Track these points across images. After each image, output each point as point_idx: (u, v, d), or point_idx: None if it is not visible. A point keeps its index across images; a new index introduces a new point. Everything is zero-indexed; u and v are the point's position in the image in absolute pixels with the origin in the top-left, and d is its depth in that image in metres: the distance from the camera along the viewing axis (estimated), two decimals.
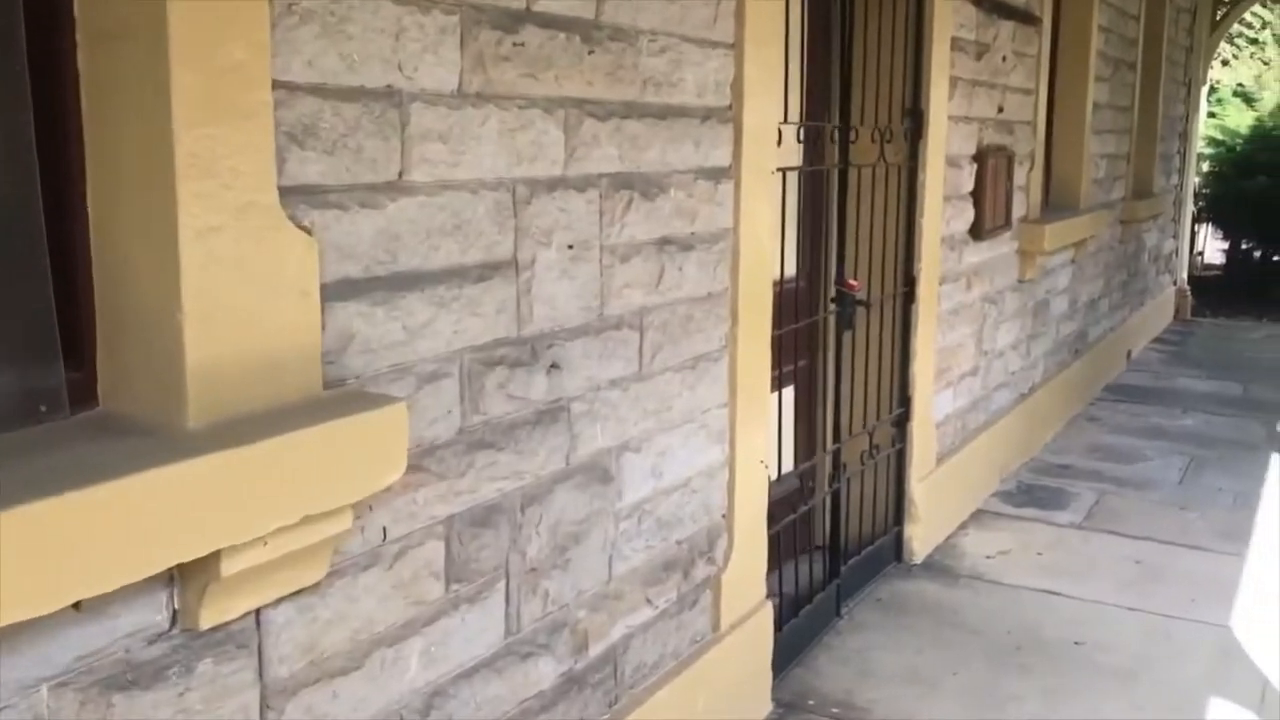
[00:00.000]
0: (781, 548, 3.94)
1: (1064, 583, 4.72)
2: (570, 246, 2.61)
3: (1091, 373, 7.79)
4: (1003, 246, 5.75)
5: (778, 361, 3.98)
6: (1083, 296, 7.50)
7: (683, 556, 3.21)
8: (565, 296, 2.62)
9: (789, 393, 4.49)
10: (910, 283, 4.72)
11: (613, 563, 2.90)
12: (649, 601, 3.05)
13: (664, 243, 2.98)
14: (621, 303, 2.83)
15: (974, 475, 5.52)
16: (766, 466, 3.59)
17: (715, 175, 3.18)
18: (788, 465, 4.13)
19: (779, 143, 3.51)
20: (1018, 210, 5.93)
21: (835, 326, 4.25)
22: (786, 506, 4.04)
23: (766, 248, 3.47)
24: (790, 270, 4.29)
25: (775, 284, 4.03)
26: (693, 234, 3.11)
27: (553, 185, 2.54)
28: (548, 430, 2.60)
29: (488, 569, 2.46)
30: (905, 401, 4.79)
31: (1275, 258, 13.52)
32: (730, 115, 3.23)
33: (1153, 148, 9.42)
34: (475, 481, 2.40)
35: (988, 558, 4.98)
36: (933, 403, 5.00)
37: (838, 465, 4.35)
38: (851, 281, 4.16)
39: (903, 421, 4.80)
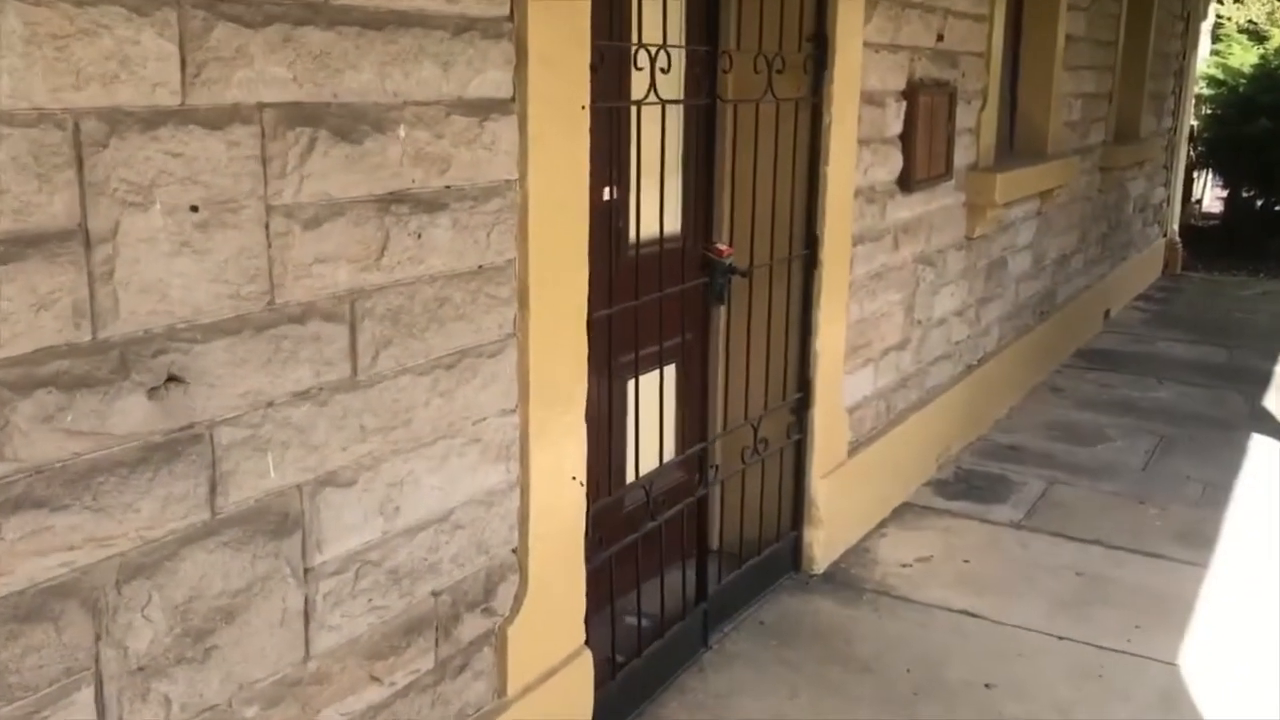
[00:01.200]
0: (640, 565, 3.17)
1: (987, 601, 3.93)
2: (195, 209, 1.80)
3: (1059, 337, 6.95)
4: (943, 198, 4.90)
5: (654, 337, 3.19)
6: (1051, 253, 6.64)
7: (440, 612, 2.42)
8: (191, 280, 1.81)
9: (670, 371, 3.71)
10: (812, 244, 3.88)
11: (310, 637, 2.12)
12: (377, 679, 2.27)
13: (391, 201, 2.16)
14: (310, 285, 2.02)
15: (900, 464, 4.72)
16: (581, 482, 2.79)
17: (482, 110, 2.35)
18: (670, 455, 3.38)
19: (599, 68, 2.68)
20: (963, 157, 5.07)
21: (704, 300, 3.42)
22: (664, 507, 3.27)
23: (576, 205, 2.65)
24: (673, 228, 3.49)
25: (654, 244, 3.24)
26: (446, 189, 2.29)
27: (155, 120, 1.72)
28: (168, 471, 1.81)
29: (43, 682, 1.67)
30: (805, 385, 3.98)
31: (1278, 207, 12.56)
32: (509, 29, 2.39)
33: (1141, 87, 8.49)
34: (6, 560, 1.60)
35: (904, 566, 4.20)
36: (843, 385, 4.19)
37: (704, 465, 3.54)
38: (720, 246, 3.33)
39: (802, 409, 3.99)
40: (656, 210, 3.24)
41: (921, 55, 4.48)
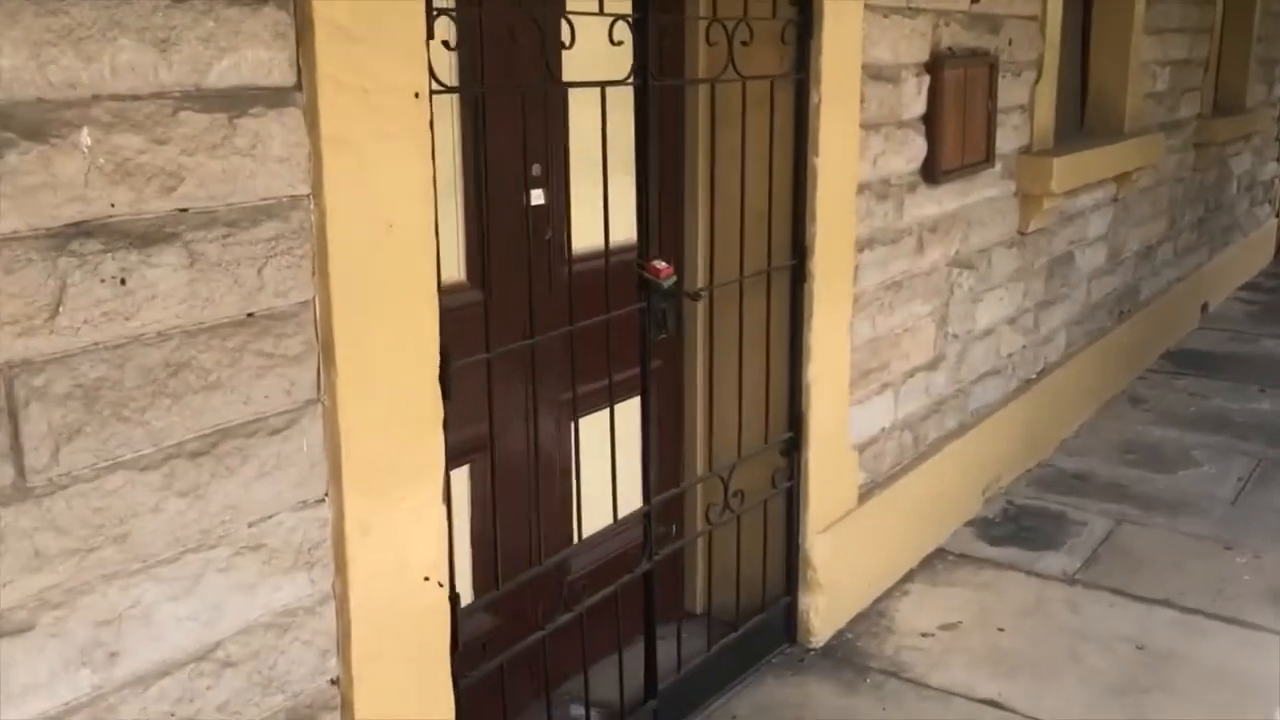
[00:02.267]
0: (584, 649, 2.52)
1: (1020, 685, 3.18)
2: None
3: (1143, 339, 6.07)
4: (985, 189, 4.11)
5: (598, 370, 2.55)
6: (1131, 244, 5.76)
7: None
8: None
9: (629, 407, 3.05)
10: (800, 253, 3.15)
11: None
12: None
13: (71, 236, 1.52)
14: None
15: (932, 504, 3.96)
16: (441, 582, 2.13)
17: (237, 103, 1.70)
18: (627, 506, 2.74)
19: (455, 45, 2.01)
20: (1012, 139, 4.26)
21: (642, 328, 2.72)
22: (585, 592, 2.62)
23: (414, 223, 1.98)
24: (625, 236, 2.82)
25: (599, 257, 2.59)
26: (178, 213, 1.64)
27: None
28: None
29: None
30: (795, 423, 3.25)
31: None
32: None
33: (1246, 50, 7.48)
34: None
35: (924, 636, 3.46)
36: (849, 418, 3.45)
37: (648, 530, 2.85)
38: (657, 263, 2.63)
39: (792, 450, 3.27)
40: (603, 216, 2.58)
41: (950, 20, 3.70)
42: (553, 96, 2.78)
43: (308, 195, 1.82)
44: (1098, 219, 5.28)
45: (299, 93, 1.79)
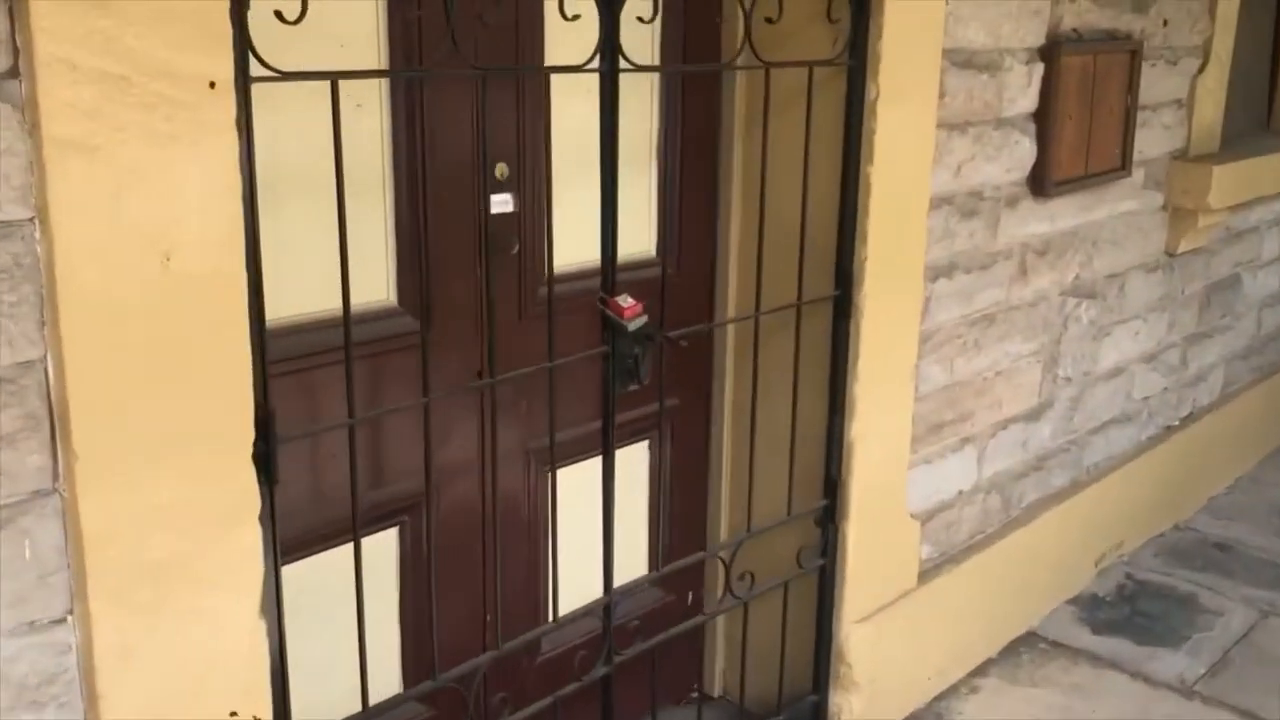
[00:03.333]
0: None
1: None
2: None
3: None
4: (1118, 201, 3.34)
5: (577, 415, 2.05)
6: None
7: None
8: None
9: (637, 451, 2.54)
10: (845, 283, 2.52)
11: None
12: None
13: None
14: None
15: (1024, 578, 3.26)
16: (259, 718, 1.63)
17: None
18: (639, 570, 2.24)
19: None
20: (1160, 141, 3.47)
21: (605, 378, 2.13)
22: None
23: (218, 255, 1.47)
24: (640, 248, 2.28)
25: (590, 276, 2.08)
26: None
27: None
28: None
29: None
30: (832, 489, 2.62)
31: None
32: None
33: None
34: None
35: None
36: (906, 482, 2.79)
37: (607, 627, 2.27)
38: (620, 300, 2.04)
39: (827, 522, 2.64)
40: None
41: None
42: (532, 86, 2.24)
43: (30, 219, 1.33)
44: (1277, 236, 4.39)
45: (14, 81, 1.30)
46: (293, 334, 1.97)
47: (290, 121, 1.85)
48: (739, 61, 2.29)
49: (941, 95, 2.59)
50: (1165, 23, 3.37)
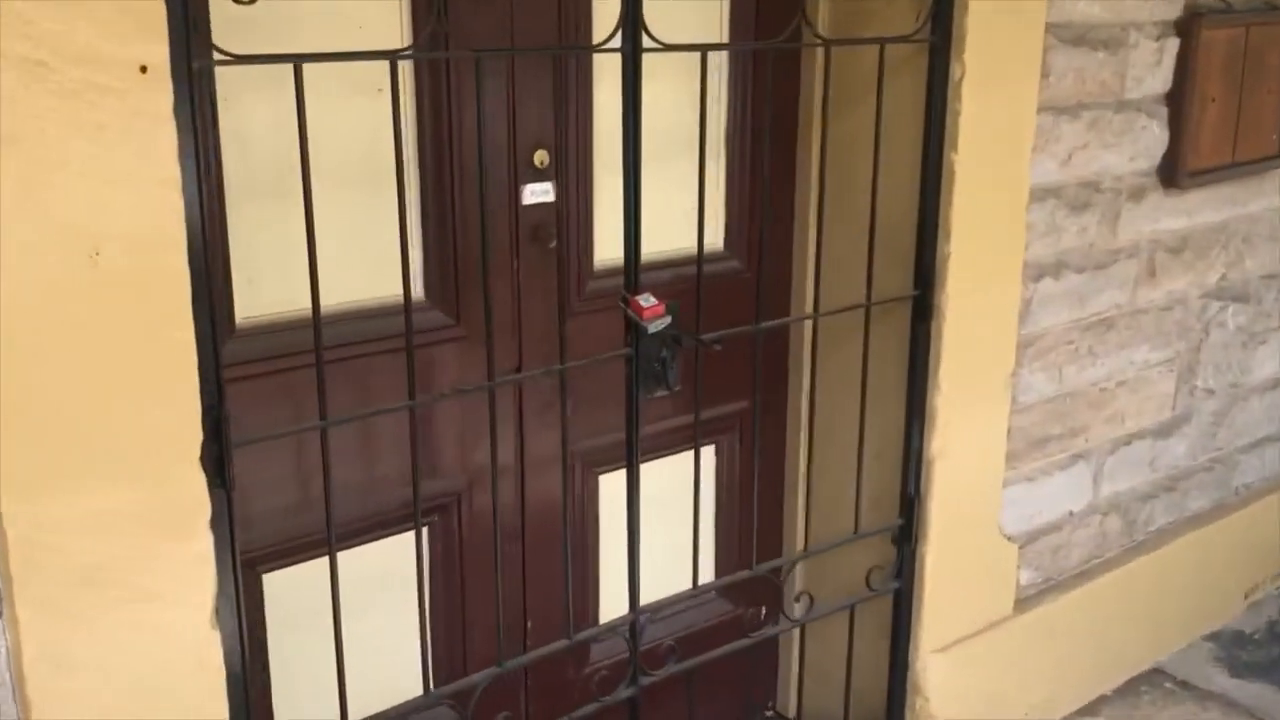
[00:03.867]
0: None
1: None
2: None
3: None
4: (1274, 195, 2.95)
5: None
6: None
7: None
8: None
9: (705, 456, 2.40)
10: (925, 282, 2.28)
11: None
12: None
13: None
14: None
15: (1147, 611, 2.93)
16: None
17: None
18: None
19: None
20: None
21: (629, 383, 1.96)
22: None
23: (154, 249, 1.40)
24: (708, 241, 2.13)
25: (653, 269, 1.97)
26: None
27: None
28: None
29: None
30: (908, 506, 2.39)
31: None
32: None
33: None
34: None
35: None
36: (1000, 501, 2.53)
37: (633, 647, 2.11)
38: (641, 299, 1.87)
39: (904, 541, 2.41)
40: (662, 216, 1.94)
41: None
42: (570, 66, 2.09)
43: None
44: None
45: None
46: (302, 328, 1.88)
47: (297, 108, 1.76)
48: (803, 39, 2.08)
49: (1045, 75, 2.31)
50: None
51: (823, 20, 2.34)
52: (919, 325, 2.30)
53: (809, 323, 2.46)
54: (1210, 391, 2.96)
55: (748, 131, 2.39)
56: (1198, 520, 3.05)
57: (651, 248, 2.17)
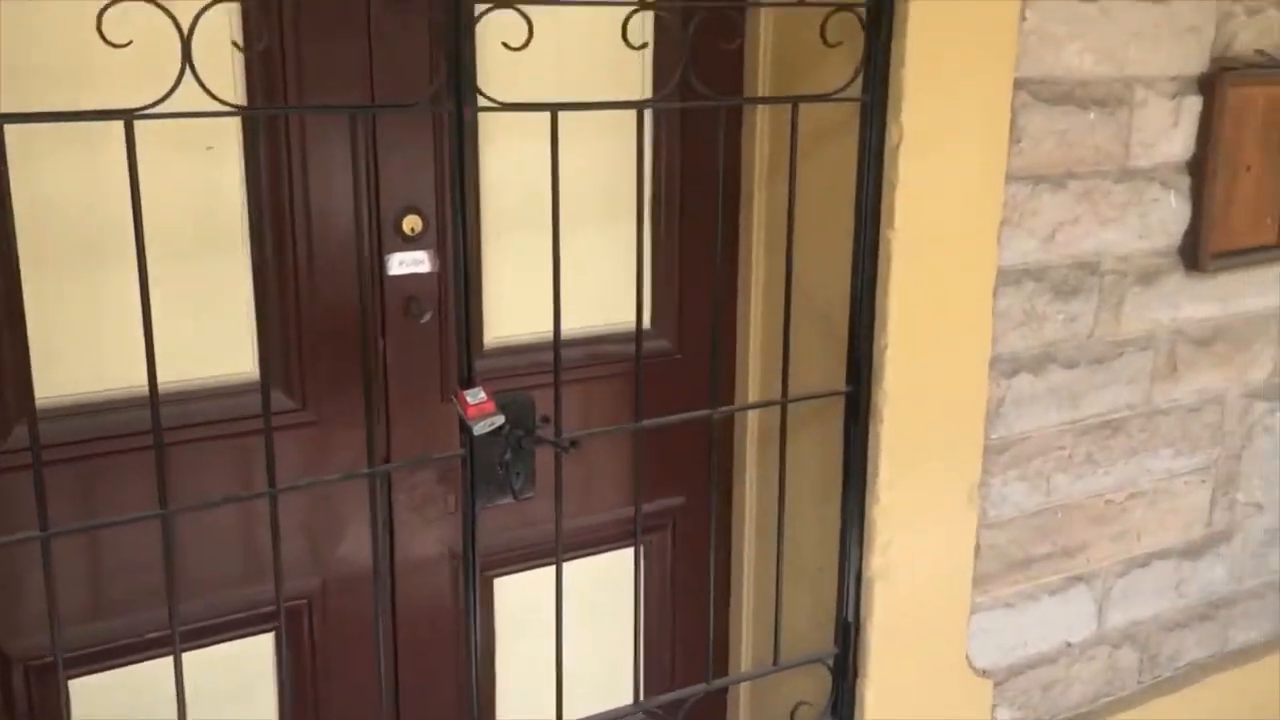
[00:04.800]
0: None
1: None
2: None
3: None
4: None
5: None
6: None
7: None
8: None
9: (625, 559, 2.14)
10: (858, 377, 1.94)
11: None
12: None
13: None
14: None
15: None
16: None
17: None
18: None
19: None
20: None
21: (463, 489, 1.69)
22: None
23: None
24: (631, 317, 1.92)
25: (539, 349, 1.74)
26: None
27: None
28: None
29: None
30: (844, 635, 2.04)
31: None
32: None
33: None
34: None
35: None
36: (963, 630, 2.15)
37: None
38: (469, 394, 1.60)
39: (841, 673, 2.06)
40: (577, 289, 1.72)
41: (1267, 4, 2.19)
42: (448, 123, 1.86)
43: None
44: None
45: None
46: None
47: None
48: (674, 98, 1.79)
49: (1016, 139, 1.96)
50: None
51: (763, 75, 2.05)
52: (853, 426, 1.96)
53: (755, 411, 2.16)
54: (1258, 506, 2.51)
55: (678, 197, 2.11)
56: (1245, 655, 2.58)
57: (566, 324, 1.94)
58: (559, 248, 1.65)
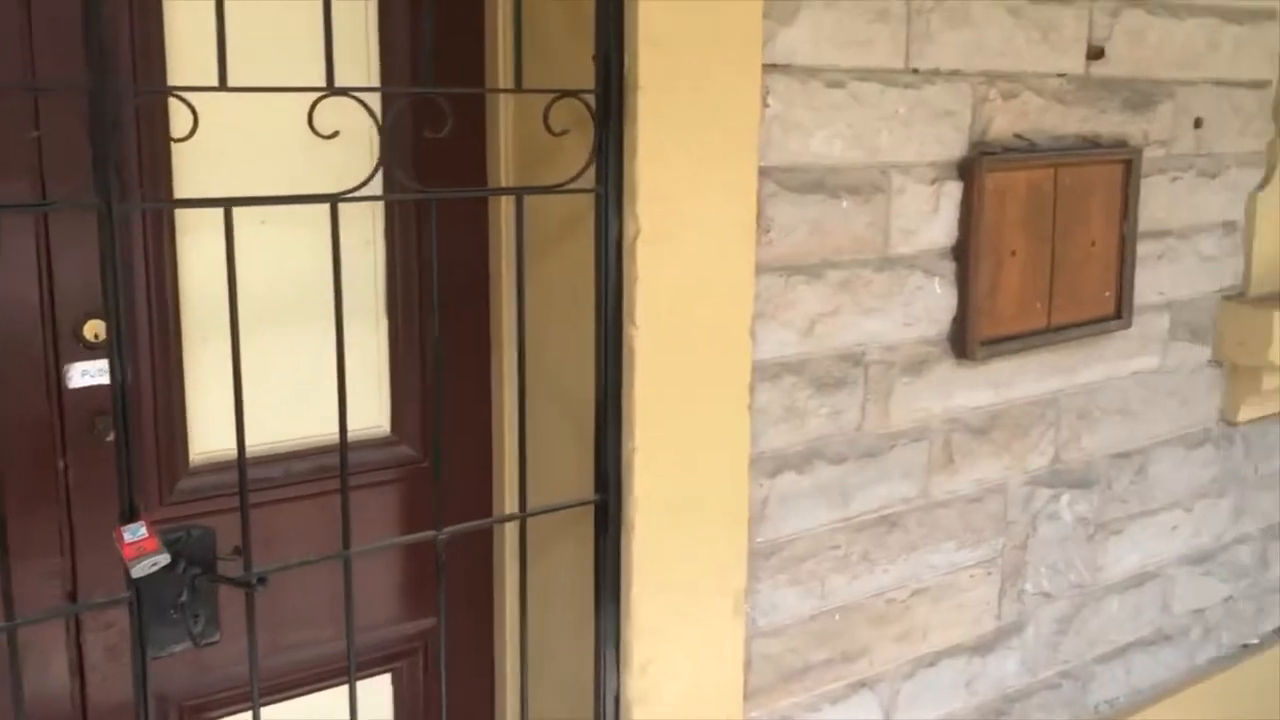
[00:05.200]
0: None
1: None
2: None
3: None
4: (1125, 359, 2.47)
5: None
6: None
7: None
8: None
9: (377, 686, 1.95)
10: (605, 484, 1.80)
11: None
12: None
13: None
14: None
15: None
16: None
17: None
18: None
19: None
20: (1190, 279, 2.57)
21: (133, 637, 1.48)
22: None
23: None
24: (369, 422, 1.75)
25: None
26: None
27: None
28: None
29: None
30: None
31: None
32: None
33: None
34: None
35: None
36: None
37: None
38: (128, 530, 1.40)
39: None
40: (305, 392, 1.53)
41: (1022, 90, 2.16)
42: (139, 219, 1.67)
43: None
44: None
45: None
46: None
47: None
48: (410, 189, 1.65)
49: (765, 230, 1.86)
50: (1198, 123, 2.50)
51: (505, 164, 1.92)
52: (603, 538, 1.81)
53: (511, 525, 2.00)
54: (1046, 595, 2.44)
55: (420, 290, 1.95)
56: None
57: (296, 431, 1.77)
58: (239, 353, 1.48)
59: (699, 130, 1.74)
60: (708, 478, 1.86)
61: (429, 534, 1.67)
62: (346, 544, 1.59)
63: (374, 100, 1.50)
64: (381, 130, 1.51)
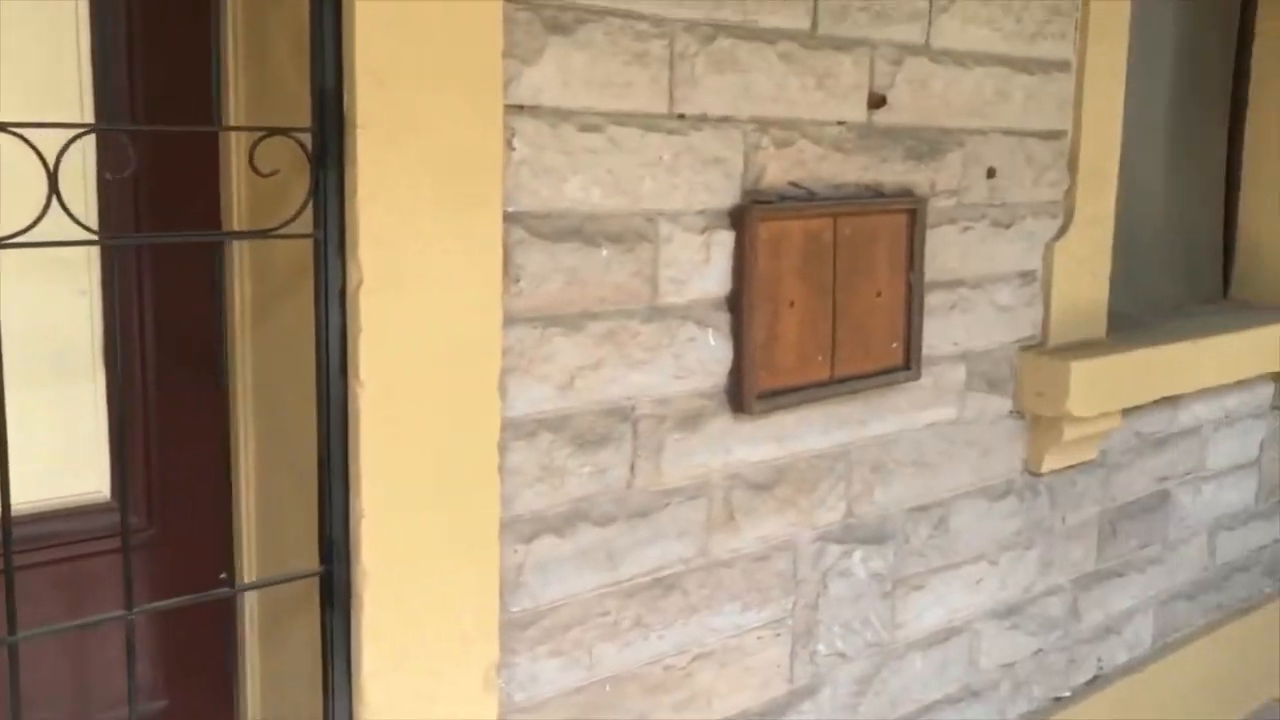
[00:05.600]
0: None
1: None
2: None
3: None
4: (918, 411, 2.41)
5: None
6: None
7: None
8: None
9: None
10: (331, 555, 1.65)
11: None
12: None
13: None
14: None
15: None
16: None
17: None
18: None
19: None
20: (986, 330, 2.54)
21: None
22: None
23: None
24: (84, 488, 1.58)
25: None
26: None
27: None
28: None
29: None
30: None
31: None
32: None
33: None
34: None
35: None
36: None
37: None
38: None
39: None
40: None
41: (798, 138, 2.10)
42: None
43: None
44: (1234, 438, 3.35)
45: None
46: None
47: None
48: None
49: (514, 279, 1.75)
50: (991, 173, 2.47)
51: (238, 207, 1.78)
52: (329, 614, 1.66)
53: (253, 597, 1.84)
54: (841, 655, 2.35)
55: (144, 342, 1.79)
56: None
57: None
58: None
59: (432, 173, 1.63)
60: (450, 545, 1.73)
61: (118, 614, 1.50)
62: (13, 630, 1.41)
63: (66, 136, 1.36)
64: (49, 168, 1.36)
